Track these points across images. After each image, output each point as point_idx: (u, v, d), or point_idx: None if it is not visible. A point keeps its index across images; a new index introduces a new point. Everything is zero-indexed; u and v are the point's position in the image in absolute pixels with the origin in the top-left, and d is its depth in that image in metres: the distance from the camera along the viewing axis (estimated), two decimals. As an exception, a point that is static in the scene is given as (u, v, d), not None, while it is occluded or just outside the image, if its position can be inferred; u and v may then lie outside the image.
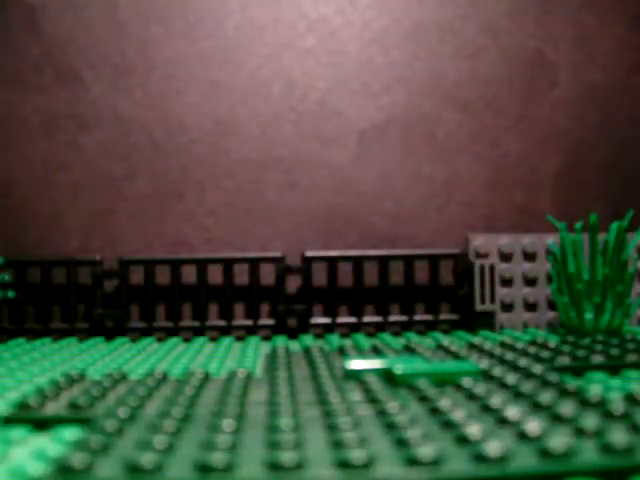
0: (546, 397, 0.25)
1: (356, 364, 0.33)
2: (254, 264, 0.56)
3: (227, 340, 0.51)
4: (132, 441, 0.22)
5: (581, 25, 0.63)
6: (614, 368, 0.35)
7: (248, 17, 0.61)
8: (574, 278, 0.48)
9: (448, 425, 0.23)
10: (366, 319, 0.56)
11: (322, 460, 0.20)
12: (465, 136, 0.62)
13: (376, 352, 0.40)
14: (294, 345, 0.50)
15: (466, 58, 0.62)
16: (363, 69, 0.61)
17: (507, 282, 0.55)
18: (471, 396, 0.27)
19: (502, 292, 0.55)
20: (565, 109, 0.62)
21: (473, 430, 0.21)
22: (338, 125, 0.61)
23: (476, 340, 0.42)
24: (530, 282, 0.55)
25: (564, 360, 0.35)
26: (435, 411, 0.25)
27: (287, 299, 0.58)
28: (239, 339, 0.55)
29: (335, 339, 0.50)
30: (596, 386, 0.31)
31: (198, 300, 0.56)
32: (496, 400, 0.25)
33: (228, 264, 0.56)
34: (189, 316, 0.58)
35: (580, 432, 0.22)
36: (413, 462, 0.19)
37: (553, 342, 0.40)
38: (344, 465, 0.19)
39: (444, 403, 0.25)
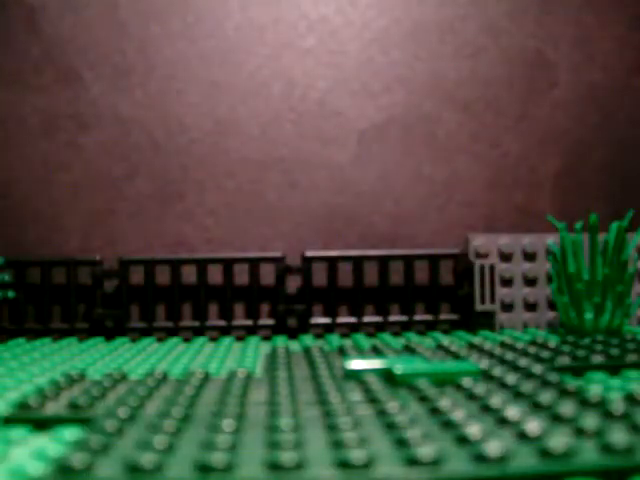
0: (546, 397, 0.25)
1: (356, 364, 0.33)
2: (254, 264, 0.56)
3: (227, 340, 0.51)
4: (132, 441, 0.22)
5: (581, 25, 0.63)
6: (614, 368, 0.35)
7: (248, 17, 0.61)
8: (574, 278, 0.48)
9: (448, 425, 0.23)
10: (366, 319, 0.56)
11: (322, 460, 0.20)
12: (465, 136, 0.62)
13: (376, 352, 0.40)
14: (294, 345, 0.50)
15: (466, 58, 0.62)
16: (363, 69, 0.61)
17: (507, 282, 0.55)
18: (471, 396, 0.27)
19: (502, 292, 0.55)
20: (565, 109, 0.62)
21: (473, 430, 0.21)
22: (338, 125, 0.61)
23: (476, 340, 0.42)
24: (530, 282, 0.55)
25: (564, 360, 0.35)
26: (435, 411, 0.25)
27: (287, 299, 0.58)
28: (239, 339, 0.55)
29: (335, 339, 0.50)
30: (596, 386, 0.31)
31: (198, 300, 0.56)
32: (496, 400, 0.25)
33: (228, 264, 0.56)
34: (189, 316, 0.58)
35: (580, 432, 0.22)
36: (413, 462, 0.19)
37: (553, 342, 0.40)
38: (344, 465, 0.19)
39: (444, 403, 0.25)
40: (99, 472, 0.19)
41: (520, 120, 0.62)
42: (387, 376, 0.32)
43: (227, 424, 0.23)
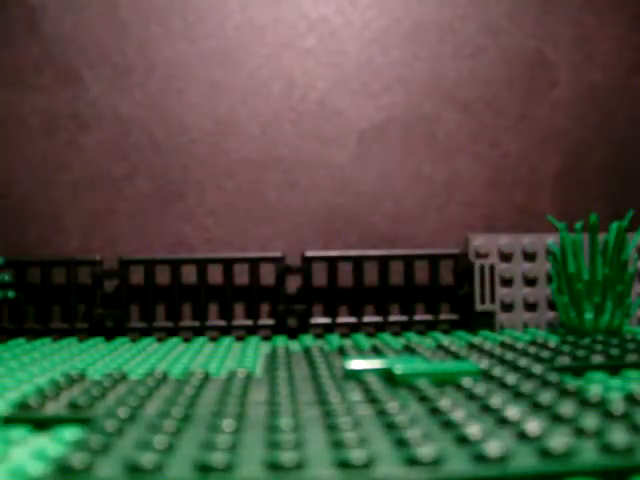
0: (546, 397, 0.25)
1: (356, 364, 0.33)
2: (254, 264, 0.56)
3: (227, 340, 0.51)
4: (132, 441, 0.22)
5: (581, 25, 0.63)
6: (614, 368, 0.35)
7: (248, 17, 0.61)
8: (574, 278, 0.48)
9: (448, 425, 0.23)
10: (366, 319, 0.56)
11: (322, 460, 0.20)
12: (465, 136, 0.62)
13: (376, 352, 0.40)
14: (294, 345, 0.50)
15: (466, 58, 0.62)
16: (363, 69, 0.61)
17: (507, 282, 0.55)
18: (471, 396, 0.27)
19: (502, 292, 0.55)
20: (565, 109, 0.62)
21: (473, 430, 0.21)
22: (338, 125, 0.61)
23: (476, 340, 0.42)
24: (530, 282, 0.55)
25: (564, 360, 0.35)
26: (435, 411, 0.25)
27: (287, 299, 0.58)
28: (239, 339, 0.55)
29: (335, 339, 0.50)
30: (596, 386, 0.31)
31: (198, 300, 0.56)
32: (496, 400, 0.25)
33: (228, 264, 0.56)
34: (189, 316, 0.58)
35: (580, 432, 0.22)
36: (413, 462, 0.19)
37: (553, 342, 0.40)
38: (344, 465, 0.19)
39: (444, 403, 0.25)
40: (99, 472, 0.19)
41: (520, 120, 0.62)
42: (387, 376, 0.32)
43: (227, 424, 0.23)
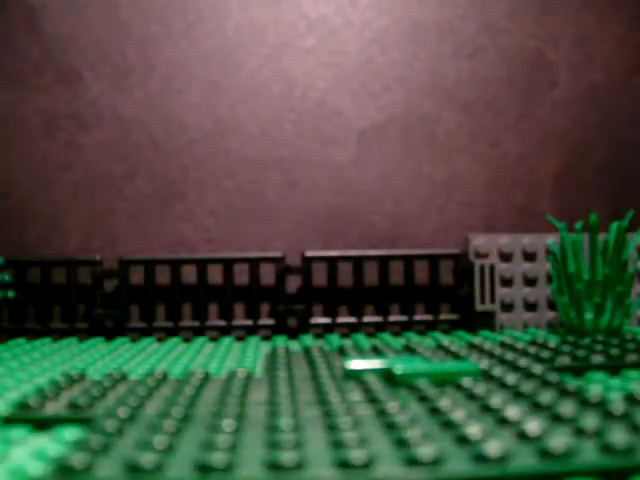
0: (546, 397, 0.25)
1: (356, 364, 0.33)
2: (254, 264, 0.56)
3: (227, 340, 0.51)
4: (132, 441, 0.22)
5: (581, 25, 0.63)
6: (614, 368, 0.35)
7: (248, 17, 0.61)
8: (574, 278, 0.48)
9: (448, 425, 0.23)
10: (366, 319, 0.56)
11: (322, 460, 0.20)
12: (465, 136, 0.62)
13: (376, 352, 0.40)
14: (294, 345, 0.50)
15: (466, 58, 0.62)
16: (363, 69, 0.61)
17: (507, 282, 0.55)
18: (471, 396, 0.27)
19: (502, 292, 0.55)
20: (565, 109, 0.62)
21: (473, 430, 0.21)
22: (338, 125, 0.61)
23: (476, 340, 0.42)
24: (530, 282, 0.55)
25: (564, 360, 0.35)
26: (435, 411, 0.25)
27: (287, 299, 0.58)
28: (239, 339, 0.55)
29: (335, 339, 0.50)
30: (596, 386, 0.31)
31: (198, 300, 0.56)
32: (496, 400, 0.25)
33: (228, 264, 0.56)
34: (189, 316, 0.58)
35: (580, 432, 0.22)
36: (413, 462, 0.19)
37: (553, 342, 0.40)
38: (344, 465, 0.19)
39: (444, 403, 0.25)
40: (99, 472, 0.19)
41: (520, 120, 0.62)
42: (387, 376, 0.32)
43: (227, 424, 0.23)
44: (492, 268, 0.55)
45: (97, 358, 0.42)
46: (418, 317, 0.56)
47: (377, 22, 0.61)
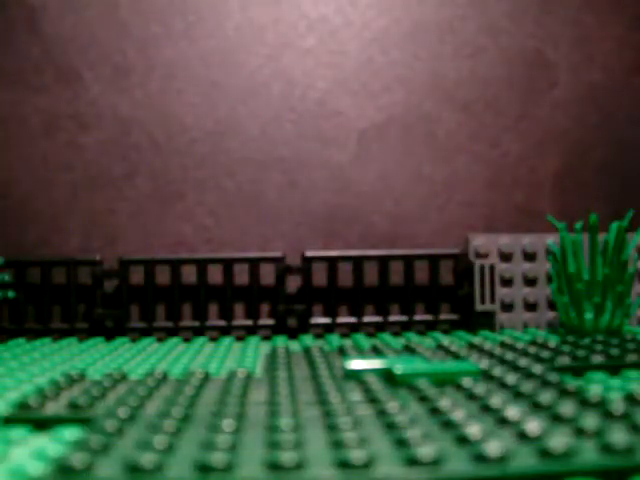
0: (546, 397, 0.25)
1: (356, 364, 0.33)
2: (254, 264, 0.56)
3: (227, 340, 0.51)
4: (132, 441, 0.22)
5: (581, 25, 0.63)
6: (614, 368, 0.35)
7: (248, 17, 0.61)
8: (574, 278, 0.48)
9: (448, 425, 0.23)
10: (366, 319, 0.56)
11: (322, 460, 0.20)
12: (465, 136, 0.62)
13: (376, 352, 0.40)
14: (294, 345, 0.50)
15: (466, 58, 0.62)
16: (363, 69, 0.61)
17: (507, 282, 0.55)
18: (471, 396, 0.27)
19: (502, 292, 0.55)
20: (565, 109, 0.62)
21: (473, 430, 0.21)
22: (338, 125, 0.61)
23: (476, 340, 0.42)
24: (530, 282, 0.55)
25: (564, 360, 0.35)
26: (435, 411, 0.25)
27: (287, 299, 0.58)
28: (239, 339, 0.55)
29: (335, 339, 0.50)
30: (596, 386, 0.31)
31: (198, 300, 0.56)
32: (496, 400, 0.25)
33: (228, 264, 0.56)
34: (189, 316, 0.58)
35: (580, 432, 0.22)
36: (413, 462, 0.19)
37: (553, 342, 0.40)
38: (344, 465, 0.19)
39: (444, 403, 0.25)
40: (99, 472, 0.19)
41: (520, 120, 0.62)
42: (387, 376, 0.32)
43: (227, 424, 0.23)
44: (492, 268, 0.55)
45: (97, 358, 0.42)
46: (418, 317, 0.56)
47: (377, 22, 0.61)
